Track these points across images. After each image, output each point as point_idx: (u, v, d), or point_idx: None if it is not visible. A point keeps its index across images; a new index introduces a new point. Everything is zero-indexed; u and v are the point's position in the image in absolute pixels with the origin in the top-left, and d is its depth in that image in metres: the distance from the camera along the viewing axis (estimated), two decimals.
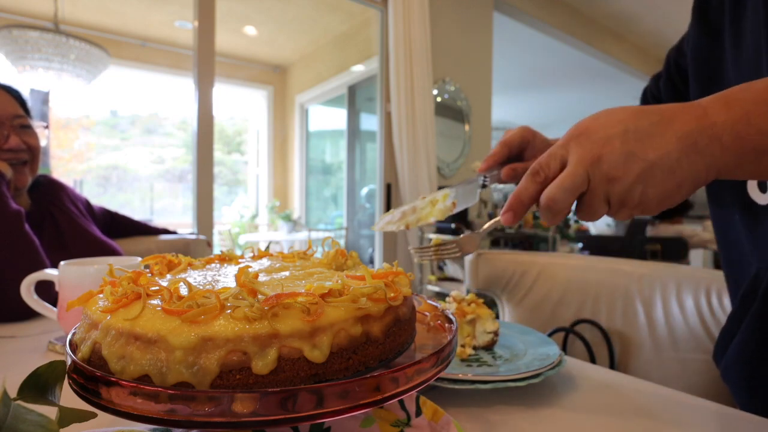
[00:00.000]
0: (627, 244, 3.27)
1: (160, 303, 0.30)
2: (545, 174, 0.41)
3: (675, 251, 2.75)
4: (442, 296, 2.82)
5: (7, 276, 0.78)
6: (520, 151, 0.63)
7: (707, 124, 0.36)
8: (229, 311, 0.28)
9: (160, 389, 0.26)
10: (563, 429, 0.43)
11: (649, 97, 0.75)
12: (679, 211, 3.06)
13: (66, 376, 0.29)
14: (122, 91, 4.89)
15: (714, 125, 0.36)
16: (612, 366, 0.88)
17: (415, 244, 2.94)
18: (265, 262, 0.45)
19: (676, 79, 0.70)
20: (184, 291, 0.31)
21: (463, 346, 0.60)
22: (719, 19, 0.58)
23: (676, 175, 0.36)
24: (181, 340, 0.27)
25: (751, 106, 0.35)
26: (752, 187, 0.56)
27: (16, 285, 0.65)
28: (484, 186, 0.58)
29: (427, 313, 0.44)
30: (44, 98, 3.83)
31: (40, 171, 1.03)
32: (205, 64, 2.26)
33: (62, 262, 0.64)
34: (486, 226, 0.49)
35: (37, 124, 0.99)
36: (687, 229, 2.92)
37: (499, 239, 3.21)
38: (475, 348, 0.62)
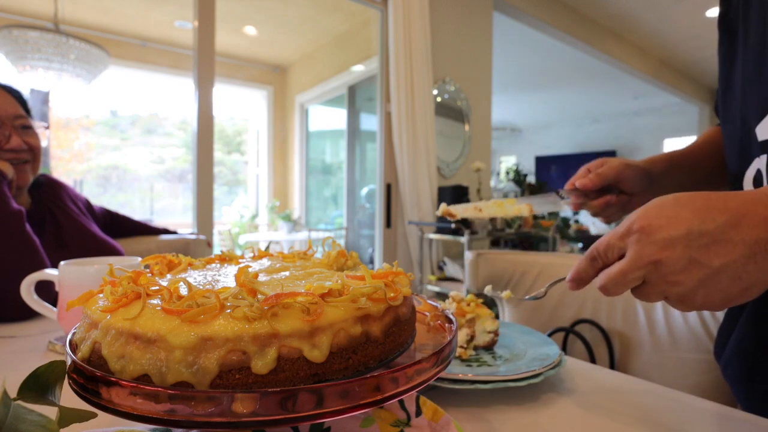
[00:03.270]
0: None
1: (160, 303, 0.30)
2: (603, 262, 0.40)
3: None
4: (442, 296, 2.81)
5: (7, 276, 0.78)
6: (615, 184, 0.65)
7: None
8: (228, 311, 0.28)
9: (159, 389, 0.26)
10: (563, 429, 0.43)
11: (719, 116, 0.75)
12: None
13: (66, 376, 0.29)
14: (122, 91, 4.89)
15: None
16: (612, 366, 0.88)
17: (415, 246, 2.94)
18: (265, 262, 0.45)
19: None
20: (184, 291, 0.31)
21: (462, 346, 0.60)
22: (736, 20, 0.59)
23: (742, 280, 0.35)
24: (180, 340, 0.27)
25: None
26: (748, 188, 0.57)
27: (17, 285, 0.65)
28: (561, 198, 0.61)
29: (427, 313, 0.44)
30: (44, 98, 3.83)
31: (40, 171, 1.03)
32: (205, 64, 2.26)
33: (62, 262, 0.64)
34: (549, 284, 0.50)
35: (37, 125, 0.99)
36: None
37: (499, 239, 3.21)
38: (475, 348, 0.62)
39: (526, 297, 0.49)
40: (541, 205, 0.62)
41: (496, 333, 0.63)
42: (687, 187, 0.68)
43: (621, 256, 0.39)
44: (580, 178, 0.65)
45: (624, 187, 0.65)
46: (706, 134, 0.73)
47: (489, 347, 0.63)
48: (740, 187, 0.58)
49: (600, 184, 0.63)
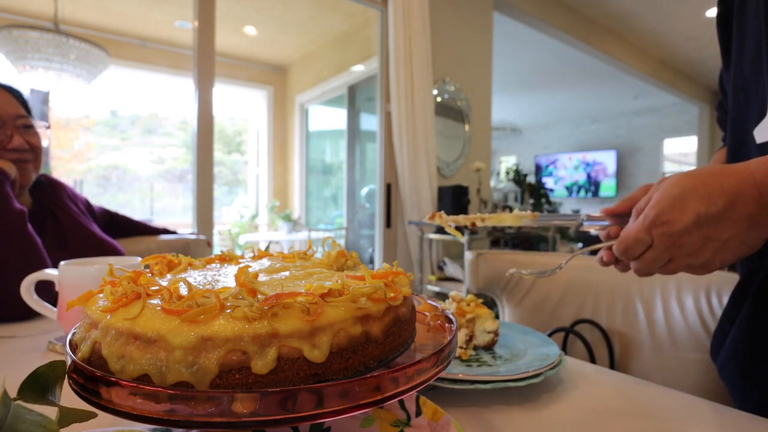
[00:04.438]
0: None
1: (160, 303, 0.30)
2: (632, 254, 0.48)
3: None
4: (442, 296, 2.81)
5: (8, 275, 0.78)
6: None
7: (765, 204, 0.43)
8: (228, 311, 0.28)
9: (159, 389, 0.26)
10: (563, 429, 0.43)
11: (723, 128, 0.75)
12: None
13: (66, 376, 0.29)
14: (122, 91, 4.89)
15: None
16: (612, 366, 0.88)
17: (415, 245, 2.94)
18: (265, 262, 0.45)
19: (723, 100, 0.70)
20: (184, 291, 0.31)
21: (462, 347, 0.60)
22: (731, 23, 0.59)
23: (746, 244, 0.44)
24: (180, 340, 0.27)
25: None
26: None
27: (17, 285, 0.65)
28: (580, 225, 0.58)
29: (427, 313, 0.44)
30: (44, 98, 3.83)
31: (40, 171, 1.03)
32: (205, 64, 2.26)
33: (62, 262, 0.64)
34: (568, 259, 0.55)
35: (39, 124, 0.99)
36: None
37: (499, 239, 3.21)
38: (475, 348, 0.62)
39: (547, 272, 0.52)
40: (554, 220, 0.59)
41: (496, 333, 0.62)
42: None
43: (647, 249, 0.47)
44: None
45: None
46: (719, 155, 0.72)
47: (489, 347, 0.63)
48: None
49: (628, 207, 0.59)
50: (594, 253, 0.56)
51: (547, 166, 8.49)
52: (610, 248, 0.59)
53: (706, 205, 0.43)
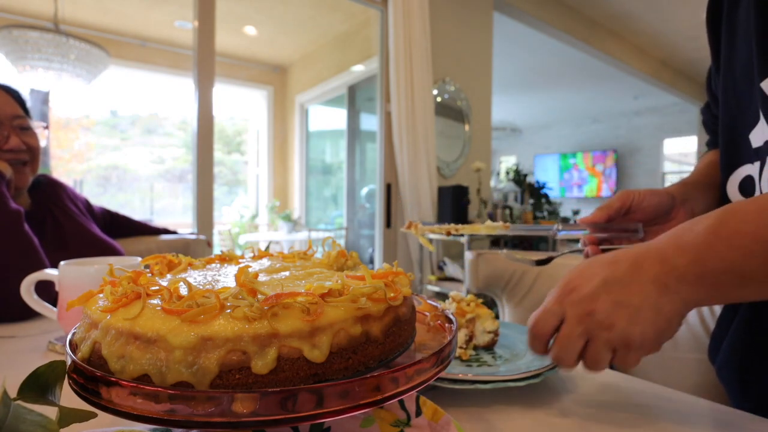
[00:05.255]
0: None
1: (160, 303, 0.30)
2: (545, 329, 0.45)
3: None
4: (442, 296, 2.81)
5: (7, 276, 0.78)
6: (622, 214, 0.62)
7: (670, 267, 0.40)
8: (228, 311, 0.28)
9: (159, 389, 0.26)
10: (563, 429, 0.43)
11: (710, 133, 0.74)
12: None
13: (66, 376, 0.29)
14: (122, 91, 4.89)
15: (676, 268, 0.40)
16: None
17: (415, 245, 2.94)
18: (265, 262, 0.45)
19: (712, 103, 0.70)
20: (184, 291, 0.31)
21: (462, 347, 0.60)
22: (719, 11, 0.59)
23: (662, 313, 0.40)
24: (180, 340, 0.27)
25: (703, 249, 0.39)
26: (733, 192, 0.57)
27: (16, 285, 0.65)
28: (555, 235, 0.58)
29: (427, 313, 0.44)
30: (44, 98, 3.83)
31: (40, 171, 1.03)
32: (205, 64, 2.26)
33: (62, 262, 0.64)
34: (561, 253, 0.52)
35: (36, 125, 0.99)
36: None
37: (499, 239, 3.21)
38: (475, 348, 0.62)
39: (541, 261, 0.51)
40: (528, 231, 0.60)
41: (496, 333, 0.62)
42: (713, 209, 0.67)
43: (560, 322, 0.44)
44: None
45: (638, 216, 0.62)
46: (705, 159, 0.72)
47: (489, 347, 0.63)
48: (724, 189, 0.59)
49: (605, 217, 0.60)
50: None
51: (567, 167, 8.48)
52: (595, 243, 0.60)
53: (611, 269, 0.42)
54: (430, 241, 2.85)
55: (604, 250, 0.60)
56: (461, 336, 0.60)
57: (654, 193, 0.62)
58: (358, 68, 4.17)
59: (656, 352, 0.43)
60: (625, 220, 0.62)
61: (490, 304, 1.17)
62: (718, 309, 0.81)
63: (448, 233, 0.57)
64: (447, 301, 0.65)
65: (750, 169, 0.54)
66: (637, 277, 0.41)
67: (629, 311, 0.40)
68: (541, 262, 0.51)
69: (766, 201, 0.39)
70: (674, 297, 0.40)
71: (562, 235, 0.58)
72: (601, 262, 0.44)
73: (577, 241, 0.62)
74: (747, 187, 0.55)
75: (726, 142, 0.59)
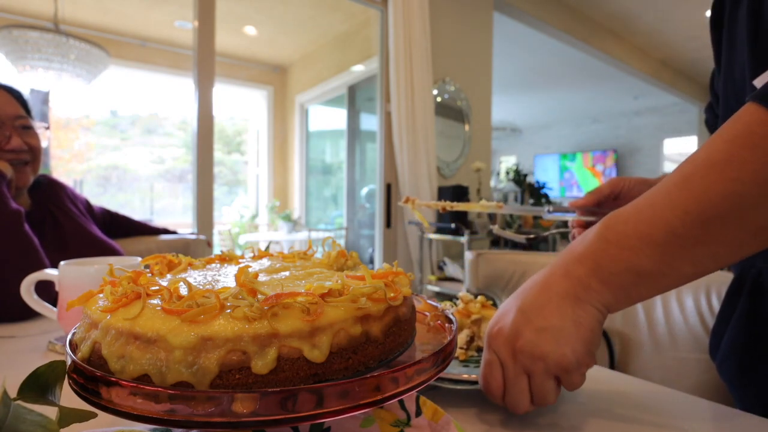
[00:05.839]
0: None
1: (160, 303, 0.30)
2: (492, 382, 0.43)
3: None
4: (442, 296, 2.81)
5: (7, 276, 0.78)
6: (612, 200, 0.64)
7: (575, 279, 0.41)
8: (228, 311, 0.28)
9: (159, 389, 0.26)
10: (563, 429, 0.43)
11: (712, 131, 0.75)
12: None
13: (66, 376, 0.29)
14: (122, 91, 4.89)
15: (580, 278, 0.41)
16: (612, 366, 0.88)
17: (415, 245, 2.94)
18: (265, 262, 0.45)
19: (714, 104, 0.70)
20: (184, 291, 0.31)
21: (462, 348, 0.59)
22: (722, 11, 0.59)
23: (583, 324, 0.40)
24: (180, 340, 0.27)
25: (599, 255, 0.41)
26: None
27: (16, 285, 0.65)
28: (545, 214, 0.61)
29: (427, 313, 0.44)
30: (44, 98, 3.83)
31: (40, 171, 1.03)
32: (205, 64, 2.26)
33: (62, 262, 0.64)
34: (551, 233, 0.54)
35: (38, 125, 0.99)
36: None
37: (498, 239, 3.21)
38: (479, 349, 0.61)
39: (535, 236, 0.52)
40: (520, 210, 0.62)
41: None
42: None
43: (503, 370, 0.43)
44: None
45: (626, 203, 0.63)
46: None
47: None
48: None
49: (595, 201, 0.62)
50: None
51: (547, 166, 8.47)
52: (582, 225, 0.62)
53: (522, 297, 0.43)
54: (433, 231, 2.84)
55: None
56: (463, 337, 0.60)
57: (644, 182, 0.63)
58: (358, 68, 4.17)
59: (659, 354, 0.43)
60: (614, 206, 0.63)
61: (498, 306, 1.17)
62: (717, 306, 0.81)
63: (444, 209, 0.58)
64: (456, 301, 0.64)
65: None
66: (548, 297, 0.41)
67: (552, 334, 0.40)
68: (530, 240, 0.52)
69: (642, 200, 0.41)
70: (587, 306, 0.41)
71: (552, 216, 0.60)
72: (513, 295, 0.44)
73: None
74: None
75: None
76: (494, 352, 0.43)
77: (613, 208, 0.62)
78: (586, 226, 0.62)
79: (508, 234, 0.61)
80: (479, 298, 0.64)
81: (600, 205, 0.62)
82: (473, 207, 0.56)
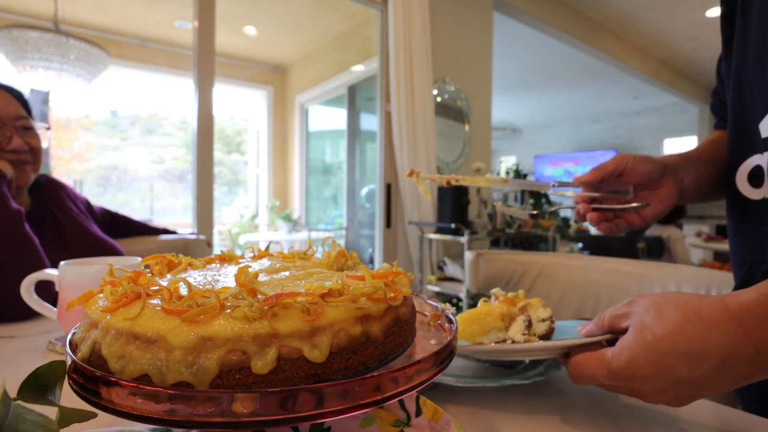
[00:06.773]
0: (626, 244, 3.33)
1: (160, 303, 0.30)
2: (582, 384, 0.43)
3: (656, 248, 3.23)
4: (442, 296, 2.81)
5: (7, 276, 0.78)
6: (616, 176, 0.64)
7: (760, 366, 0.36)
8: (228, 311, 0.28)
9: (160, 389, 0.26)
10: (563, 429, 0.43)
11: (718, 117, 0.75)
12: (672, 217, 3.34)
13: (66, 376, 0.29)
14: (122, 91, 4.89)
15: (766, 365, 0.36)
16: None
17: (415, 245, 2.94)
18: (265, 262, 0.45)
19: (720, 89, 0.70)
20: (184, 291, 0.31)
21: (525, 333, 0.54)
22: (734, 19, 0.60)
23: (720, 390, 0.38)
24: (180, 340, 0.27)
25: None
26: (742, 182, 0.58)
27: (16, 285, 0.65)
28: (551, 188, 0.62)
29: (427, 313, 0.44)
30: (44, 98, 3.83)
31: (40, 171, 1.03)
32: (205, 64, 2.26)
33: (62, 262, 0.64)
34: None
35: (39, 126, 0.99)
36: (667, 230, 3.26)
37: (498, 239, 3.21)
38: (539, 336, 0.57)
39: (530, 214, 0.52)
40: (525, 185, 0.62)
41: (551, 320, 0.56)
42: (702, 183, 0.67)
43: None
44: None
45: (630, 180, 0.63)
46: (710, 137, 0.74)
47: (547, 336, 0.55)
48: (733, 179, 0.59)
49: (599, 177, 0.62)
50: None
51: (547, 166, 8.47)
52: (586, 201, 0.63)
53: (688, 367, 0.36)
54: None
55: (595, 209, 0.63)
56: (519, 323, 0.55)
57: (648, 159, 0.63)
58: (358, 68, 4.17)
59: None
60: (617, 182, 0.64)
61: None
62: None
63: (448, 183, 0.58)
64: (491, 297, 0.62)
65: (759, 159, 0.55)
66: (718, 375, 0.36)
67: (695, 397, 0.38)
68: (534, 216, 0.52)
69: None
70: (741, 383, 0.38)
71: (557, 190, 0.61)
72: (674, 351, 0.37)
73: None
74: (756, 177, 0.56)
75: (735, 132, 0.60)
76: (611, 382, 0.40)
77: (616, 185, 0.63)
78: (590, 201, 0.63)
79: (513, 210, 0.60)
80: (519, 292, 0.61)
81: (603, 180, 0.63)
82: (478, 181, 0.56)
